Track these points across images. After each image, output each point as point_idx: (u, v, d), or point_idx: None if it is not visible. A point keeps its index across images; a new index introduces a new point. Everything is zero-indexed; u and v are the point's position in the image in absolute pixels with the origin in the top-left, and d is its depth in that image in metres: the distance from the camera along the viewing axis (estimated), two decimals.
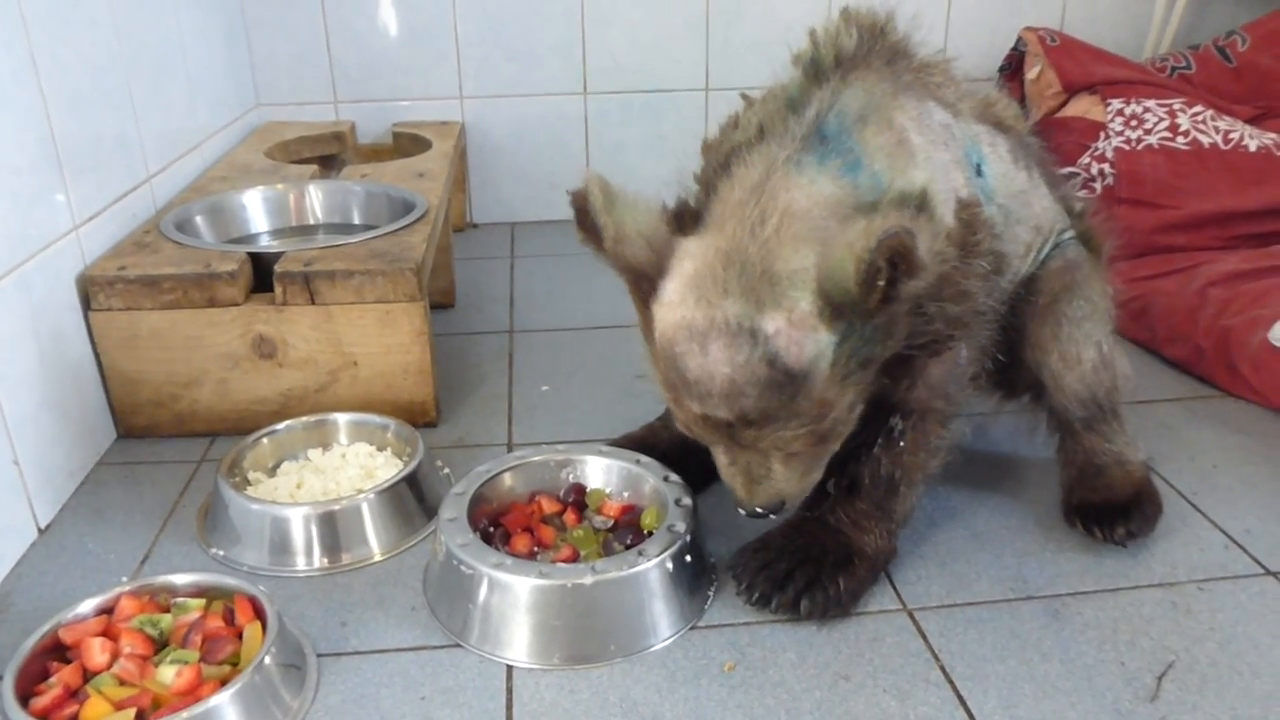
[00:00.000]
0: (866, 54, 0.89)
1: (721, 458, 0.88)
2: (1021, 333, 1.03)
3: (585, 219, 0.82)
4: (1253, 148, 1.68)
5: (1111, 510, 1.03)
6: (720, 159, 0.88)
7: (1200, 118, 1.71)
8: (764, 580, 0.93)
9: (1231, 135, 1.69)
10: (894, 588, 0.98)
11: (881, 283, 0.73)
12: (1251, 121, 1.78)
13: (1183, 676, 0.86)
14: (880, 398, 0.92)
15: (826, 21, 0.92)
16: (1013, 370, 1.05)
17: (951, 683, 0.86)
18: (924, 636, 0.91)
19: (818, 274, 0.76)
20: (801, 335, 0.76)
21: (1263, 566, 1.00)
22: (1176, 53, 1.94)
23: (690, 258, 0.81)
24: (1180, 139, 1.68)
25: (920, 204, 0.79)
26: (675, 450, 1.07)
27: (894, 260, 0.72)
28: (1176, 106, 1.72)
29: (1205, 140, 1.67)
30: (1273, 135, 1.72)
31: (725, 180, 0.86)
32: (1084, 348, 1.02)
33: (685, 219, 0.86)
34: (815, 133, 0.84)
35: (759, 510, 0.88)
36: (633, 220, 0.82)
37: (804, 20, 0.99)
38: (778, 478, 0.86)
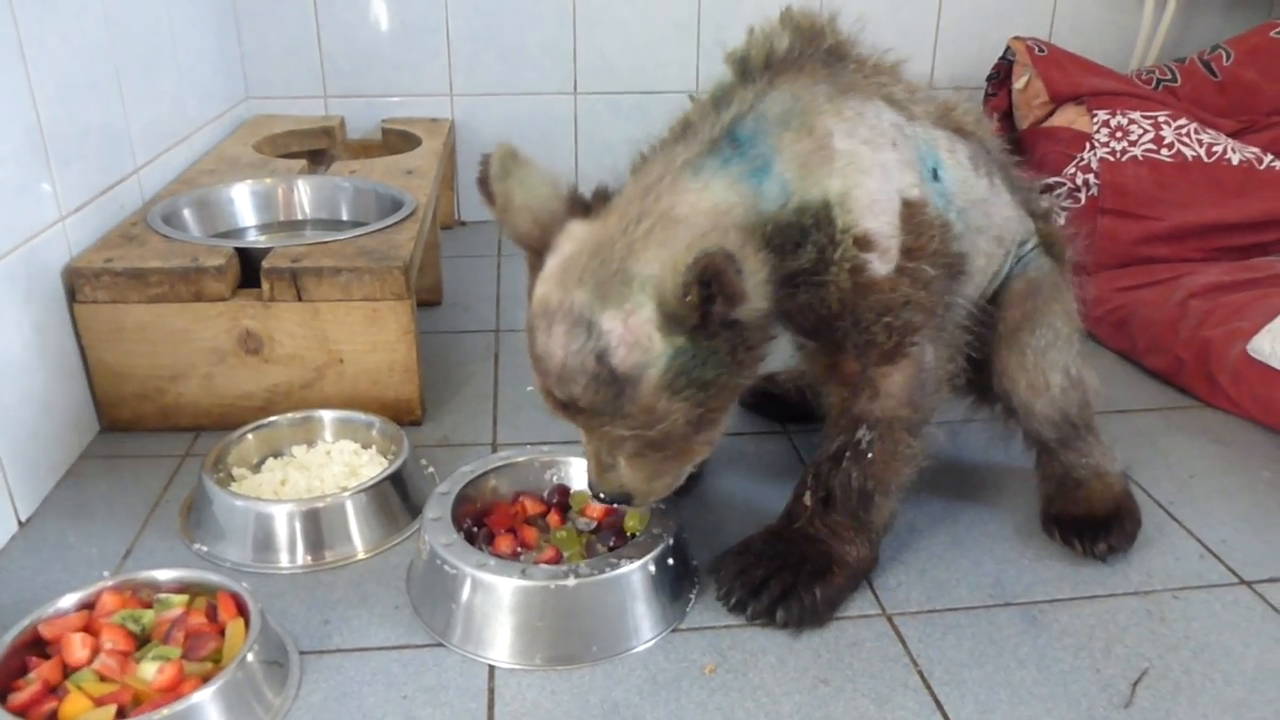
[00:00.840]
0: (800, 57, 0.88)
1: (582, 436, 0.89)
2: (988, 356, 1.02)
3: (483, 184, 0.86)
4: (1235, 161, 1.70)
5: (1092, 524, 1.04)
6: (644, 152, 0.91)
7: (1184, 130, 1.73)
8: (740, 586, 0.94)
9: (1215, 148, 1.71)
10: (874, 593, 0.99)
11: (692, 301, 0.74)
12: (1234, 135, 1.80)
13: (1157, 684, 0.87)
14: (847, 409, 0.94)
15: (786, 14, 0.91)
16: (984, 378, 1.05)
17: (929, 688, 0.87)
18: (903, 642, 0.92)
19: (656, 283, 0.76)
20: (632, 339, 0.77)
21: (1237, 576, 1.02)
22: (1162, 65, 1.96)
23: (570, 240, 0.83)
24: (1164, 151, 1.69)
25: (818, 216, 0.82)
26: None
27: (707, 282, 0.73)
28: (1161, 119, 1.74)
29: (1189, 153, 1.69)
30: (1255, 149, 1.74)
31: (634, 174, 0.88)
32: (1050, 374, 1.01)
33: (595, 204, 0.86)
34: (727, 136, 0.84)
35: (601, 496, 0.91)
36: (522, 193, 0.85)
37: None
38: (622, 473, 0.88)
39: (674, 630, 0.93)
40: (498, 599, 0.89)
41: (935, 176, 0.91)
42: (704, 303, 0.75)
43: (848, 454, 0.95)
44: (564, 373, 0.80)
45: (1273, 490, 1.17)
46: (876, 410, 0.93)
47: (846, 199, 0.83)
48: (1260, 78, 1.89)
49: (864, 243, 0.85)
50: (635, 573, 0.91)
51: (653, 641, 0.91)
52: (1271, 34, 1.93)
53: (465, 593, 0.90)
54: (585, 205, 0.86)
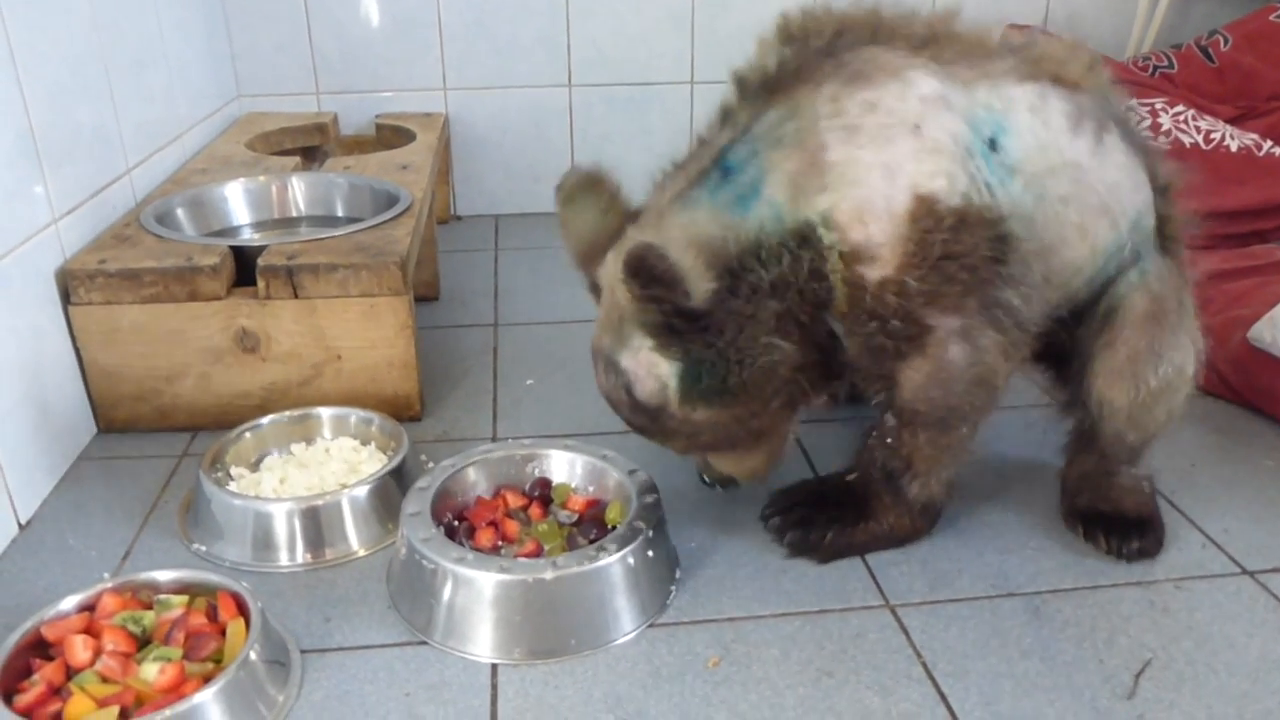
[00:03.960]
0: (798, 67, 0.85)
1: None
2: (1090, 366, 0.94)
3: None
4: (1234, 148, 1.69)
5: (1123, 524, 1.02)
6: (658, 177, 0.93)
7: (1181, 117, 1.72)
8: (775, 506, 1.03)
9: (1213, 135, 1.70)
10: (876, 584, 0.99)
11: (634, 293, 0.80)
12: (1233, 121, 1.79)
13: (1160, 674, 0.87)
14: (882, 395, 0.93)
15: (782, 22, 0.89)
16: (1064, 373, 1.01)
17: (933, 679, 0.87)
18: (906, 632, 0.92)
19: (630, 313, 0.84)
20: (645, 372, 0.87)
21: (1239, 566, 1.02)
22: (1159, 51, 1.95)
23: (606, 277, 0.90)
24: (1161, 138, 1.69)
25: (805, 236, 0.82)
26: None
27: (635, 272, 0.79)
28: (1158, 106, 1.73)
29: (1186, 140, 1.69)
30: (1253, 135, 1.73)
31: (651, 198, 0.91)
32: (1158, 411, 0.94)
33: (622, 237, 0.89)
34: (717, 164, 0.85)
35: (706, 481, 1.04)
36: (576, 223, 0.92)
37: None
38: (717, 465, 0.99)
39: (652, 624, 0.93)
40: (477, 593, 0.89)
41: (993, 146, 0.83)
42: (645, 293, 0.80)
43: (875, 436, 0.98)
44: (614, 404, 0.92)
45: (1275, 479, 1.17)
46: (898, 402, 0.92)
47: (832, 215, 0.81)
48: (1259, 63, 1.88)
49: (852, 257, 0.83)
50: (614, 566, 0.91)
51: (633, 634, 0.91)
52: (1270, 18, 1.92)
53: (445, 588, 0.90)
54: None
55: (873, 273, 0.83)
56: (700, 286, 0.80)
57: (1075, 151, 0.86)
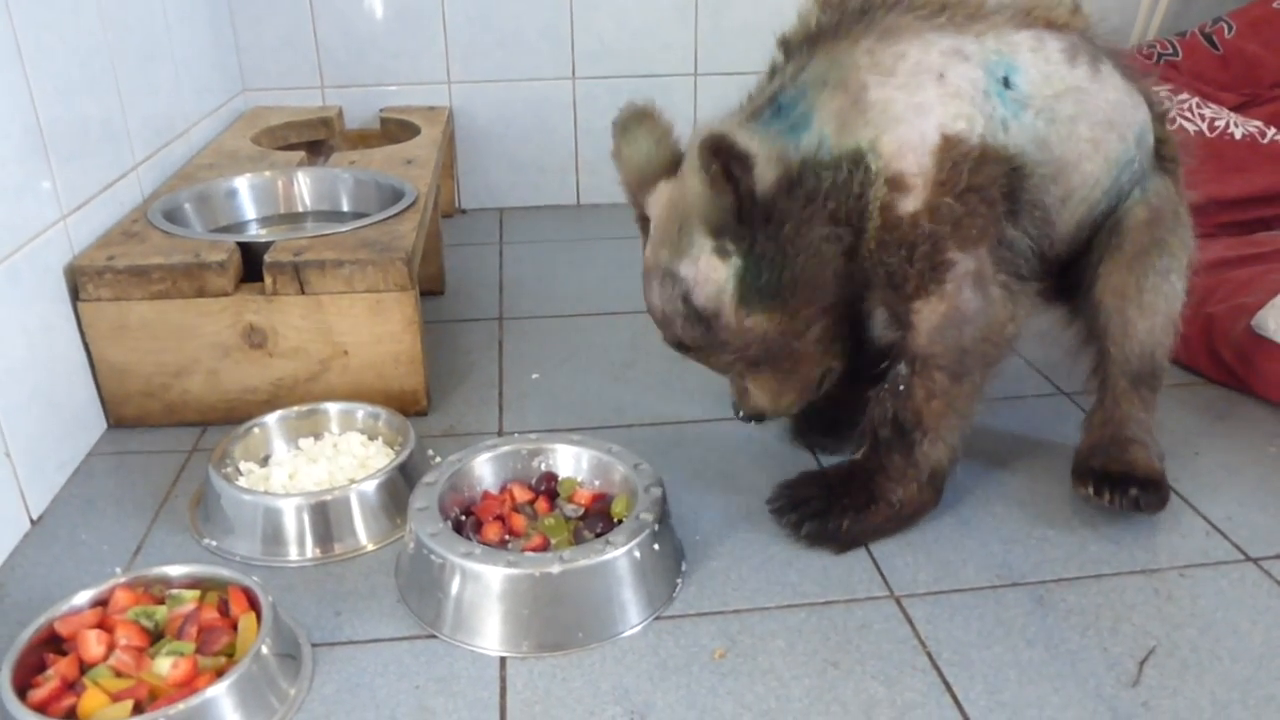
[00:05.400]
0: (836, 25, 0.96)
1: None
2: (1097, 272, 1.04)
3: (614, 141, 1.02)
4: (1238, 135, 1.69)
5: (1129, 479, 1.04)
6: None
7: (1186, 105, 1.72)
8: (786, 496, 1.05)
9: (1217, 123, 1.70)
10: (881, 575, 0.99)
11: (717, 172, 0.86)
12: (1237, 109, 1.79)
13: (1164, 662, 0.88)
14: (899, 344, 0.99)
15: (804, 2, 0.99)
16: (1077, 302, 1.08)
17: (938, 668, 0.87)
18: (911, 623, 0.93)
19: (698, 210, 0.90)
20: (705, 275, 0.92)
21: (1243, 553, 1.02)
22: (1164, 39, 1.95)
23: (657, 204, 0.97)
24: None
25: (855, 162, 0.91)
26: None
27: (716, 152, 0.85)
28: (1162, 93, 1.73)
29: (1191, 128, 1.69)
30: (1257, 123, 1.73)
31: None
32: (1161, 299, 1.03)
33: (677, 166, 0.98)
34: (771, 104, 0.95)
35: (741, 415, 1.08)
36: (629, 151, 0.99)
37: (792, 4, 1.00)
38: (753, 394, 1.04)
39: (657, 617, 0.94)
40: (485, 587, 0.90)
41: (1007, 84, 0.94)
42: (724, 171, 0.86)
43: (887, 387, 1.01)
44: (665, 319, 0.97)
45: (1278, 466, 1.17)
46: (912, 346, 0.97)
47: (878, 144, 0.91)
48: (1262, 50, 1.87)
49: (895, 183, 0.92)
50: (620, 559, 0.91)
51: (639, 627, 0.92)
52: (1273, 5, 1.91)
53: (453, 582, 0.91)
54: (676, 165, 0.97)
55: (906, 201, 0.92)
56: (769, 174, 0.89)
57: (1075, 78, 0.98)
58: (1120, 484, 1.04)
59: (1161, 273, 1.03)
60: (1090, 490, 1.05)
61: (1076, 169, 0.99)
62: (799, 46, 0.98)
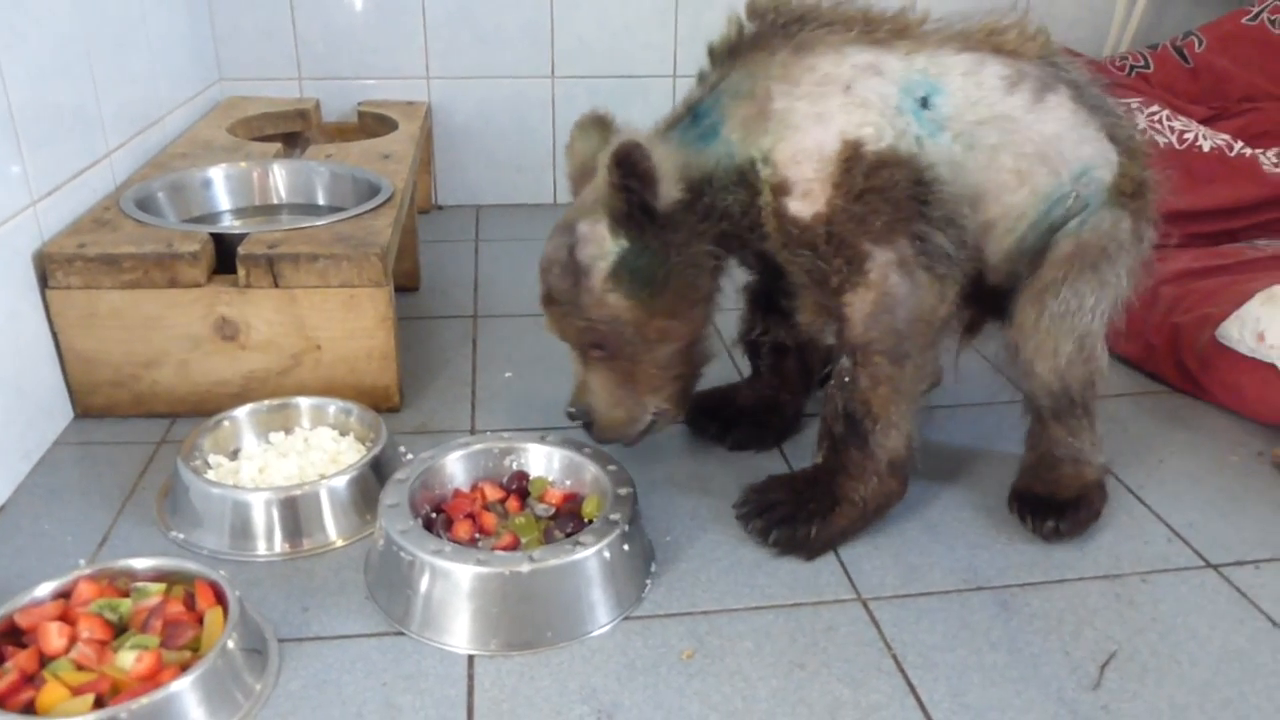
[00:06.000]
0: (758, 36, 0.99)
1: (571, 361, 1.07)
2: (1014, 306, 1.02)
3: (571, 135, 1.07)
4: (1206, 148, 1.72)
5: (1050, 505, 1.06)
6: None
7: (1156, 117, 1.74)
8: (753, 504, 1.05)
9: (1186, 135, 1.73)
10: (849, 577, 1.00)
11: (614, 181, 0.92)
12: (1206, 122, 1.82)
13: (1124, 665, 0.89)
14: (836, 340, 1.01)
15: (751, 1, 1.02)
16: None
17: (903, 671, 0.88)
18: (877, 626, 0.94)
19: (604, 198, 0.96)
20: (592, 237, 0.97)
21: (1203, 559, 1.04)
22: (1136, 52, 1.97)
23: (587, 188, 1.02)
24: None
25: (748, 170, 0.96)
26: (752, 407, 1.23)
27: (620, 161, 0.90)
28: (1134, 106, 1.75)
29: (1161, 140, 1.71)
30: (1225, 136, 1.76)
31: None
32: (1062, 341, 1.00)
33: None
34: (690, 112, 1.00)
35: (570, 411, 1.07)
36: (579, 144, 1.06)
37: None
38: (592, 393, 1.05)
39: (627, 617, 0.94)
40: (454, 585, 0.90)
41: (925, 104, 0.96)
42: (624, 181, 0.91)
43: (834, 382, 1.02)
44: (547, 265, 1.01)
45: (1239, 475, 1.19)
46: (850, 338, 0.99)
47: (772, 153, 0.95)
48: (1231, 64, 1.91)
49: (781, 189, 0.95)
50: (590, 559, 0.92)
51: (608, 627, 0.92)
52: (1242, 21, 1.95)
53: (422, 580, 0.91)
54: None
55: (802, 205, 0.95)
56: (669, 192, 0.93)
57: (1006, 106, 0.97)
58: (1042, 511, 1.06)
59: (1056, 314, 0.99)
60: (1016, 514, 1.08)
61: (997, 199, 0.98)
62: (722, 56, 1.01)
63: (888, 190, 0.93)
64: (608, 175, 0.93)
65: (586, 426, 1.07)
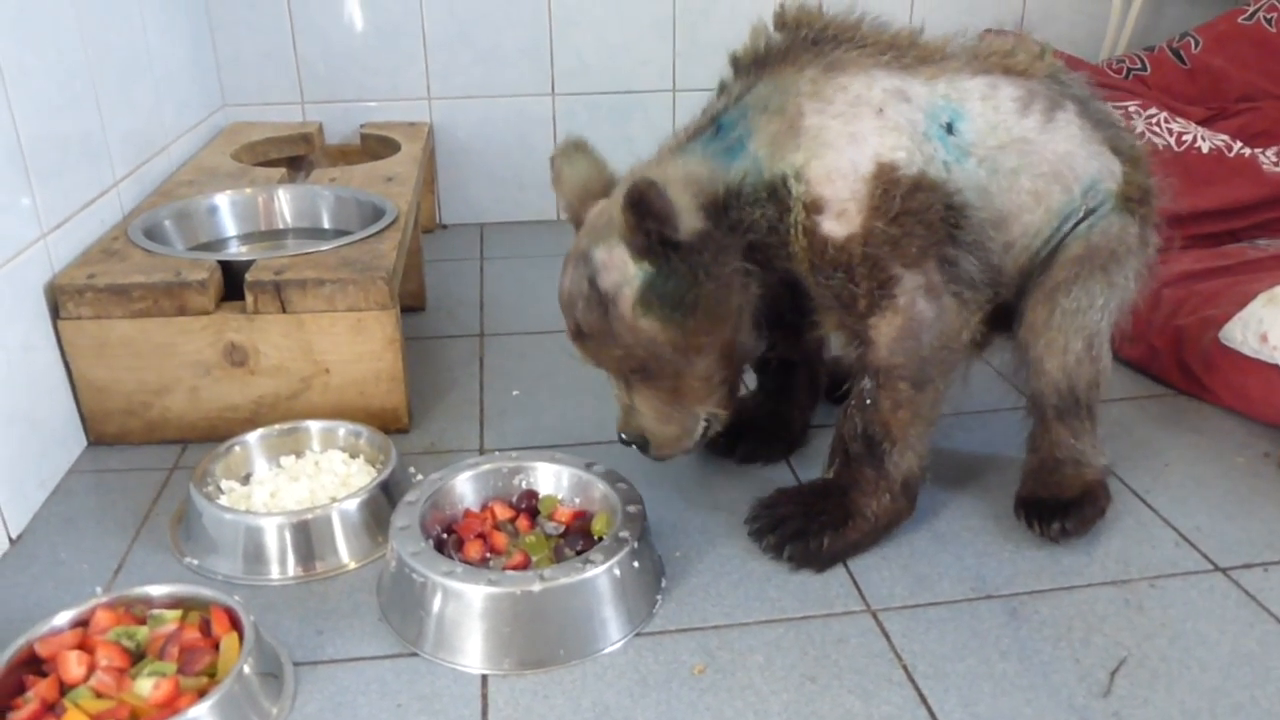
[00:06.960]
0: (787, 50, 0.98)
1: (613, 388, 1.04)
2: (1024, 306, 1.04)
3: (552, 161, 1.05)
4: (1205, 149, 1.72)
5: (1054, 506, 1.06)
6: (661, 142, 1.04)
7: (1154, 120, 1.75)
8: (764, 519, 1.06)
9: (1184, 137, 1.73)
10: (858, 589, 1.01)
11: (630, 221, 0.90)
12: (1203, 123, 1.82)
13: (1134, 672, 0.90)
14: (857, 359, 1.01)
15: (779, 11, 1.01)
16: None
17: (914, 682, 0.89)
18: (887, 637, 0.94)
19: (619, 224, 0.93)
20: (613, 264, 0.94)
21: (1212, 563, 1.04)
22: (1132, 54, 1.98)
23: (591, 214, 1.00)
24: None
25: (779, 186, 0.94)
26: (760, 421, 1.23)
27: (635, 204, 0.89)
28: (1131, 108, 1.76)
29: (1159, 142, 1.72)
30: (1224, 136, 1.76)
31: (656, 153, 1.03)
32: (1072, 338, 1.02)
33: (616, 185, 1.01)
34: (713, 123, 0.98)
35: (623, 437, 1.05)
36: (570, 172, 1.03)
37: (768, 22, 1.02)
38: (640, 414, 1.03)
39: (638, 634, 0.94)
40: (466, 606, 0.90)
41: (950, 130, 0.96)
42: (640, 223, 0.90)
43: (853, 403, 1.02)
44: (569, 300, 0.98)
45: (1246, 477, 1.19)
46: (874, 361, 0.99)
47: (805, 170, 0.94)
48: (1228, 65, 1.91)
49: (814, 207, 0.94)
50: (601, 577, 0.92)
51: (620, 643, 0.93)
52: (1238, 20, 1.95)
53: (434, 601, 0.91)
54: (611, 187, 1.01)
55: (835, 226, 0.94)
56: (689, 223, 0.91)
57: (1023, 129, 0.99)
58: (1047, 514, 1.06)
59: (1069, 310, 1.01)
60: (1023, 519, 1.08)
61: (1018, 220, 1.00)
62: (747, 67, 1.00)
63: (922, 214, 0.93)
64: (623, 218, 0.91)
65: (642, 448, 1.05)
